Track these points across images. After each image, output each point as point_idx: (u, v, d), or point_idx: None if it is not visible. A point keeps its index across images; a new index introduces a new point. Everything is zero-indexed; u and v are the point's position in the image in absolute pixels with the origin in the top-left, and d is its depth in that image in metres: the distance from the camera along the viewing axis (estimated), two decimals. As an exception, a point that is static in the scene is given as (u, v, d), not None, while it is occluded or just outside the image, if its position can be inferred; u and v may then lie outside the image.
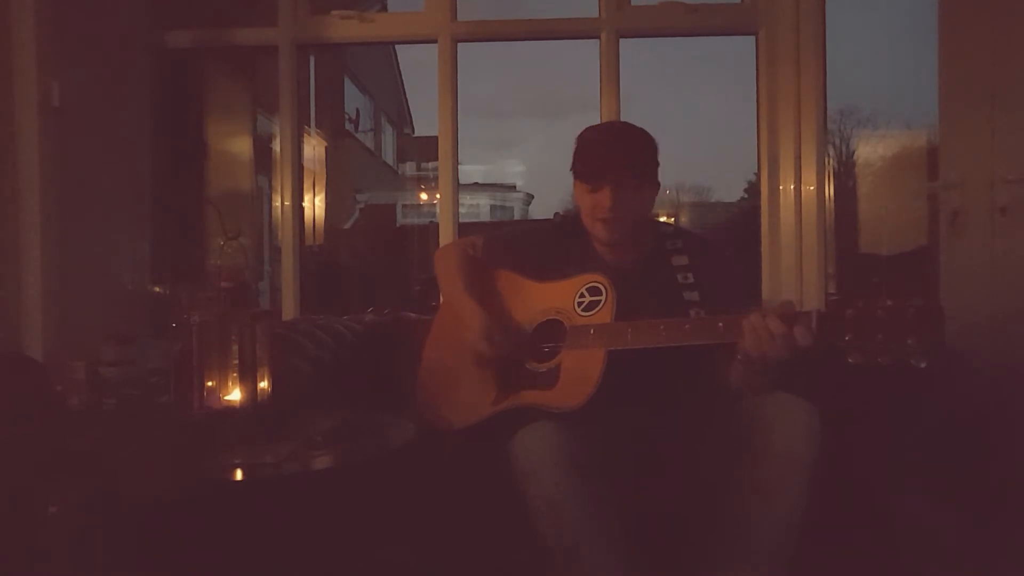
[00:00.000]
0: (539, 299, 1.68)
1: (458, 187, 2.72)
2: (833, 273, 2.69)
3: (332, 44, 2.93)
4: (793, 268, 2.56)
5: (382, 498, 1.51)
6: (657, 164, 1.64)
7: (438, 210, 2.77)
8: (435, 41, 2.68)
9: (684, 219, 9.24)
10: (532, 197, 14.46)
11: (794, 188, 2.56)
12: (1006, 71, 1.86)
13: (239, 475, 1.40)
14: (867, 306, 1.22)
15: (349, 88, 10.14)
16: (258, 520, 1.40)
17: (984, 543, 1.63)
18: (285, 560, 1.45)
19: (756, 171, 2.72)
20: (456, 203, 2.71)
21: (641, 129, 1.65)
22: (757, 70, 2.66)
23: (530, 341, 1.64)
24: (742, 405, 1.45)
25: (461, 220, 2.72)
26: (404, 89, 13.21)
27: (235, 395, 1.58)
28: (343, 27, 2.74)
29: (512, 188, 14.78)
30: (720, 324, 1.39)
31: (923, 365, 1.17)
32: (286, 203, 2.77)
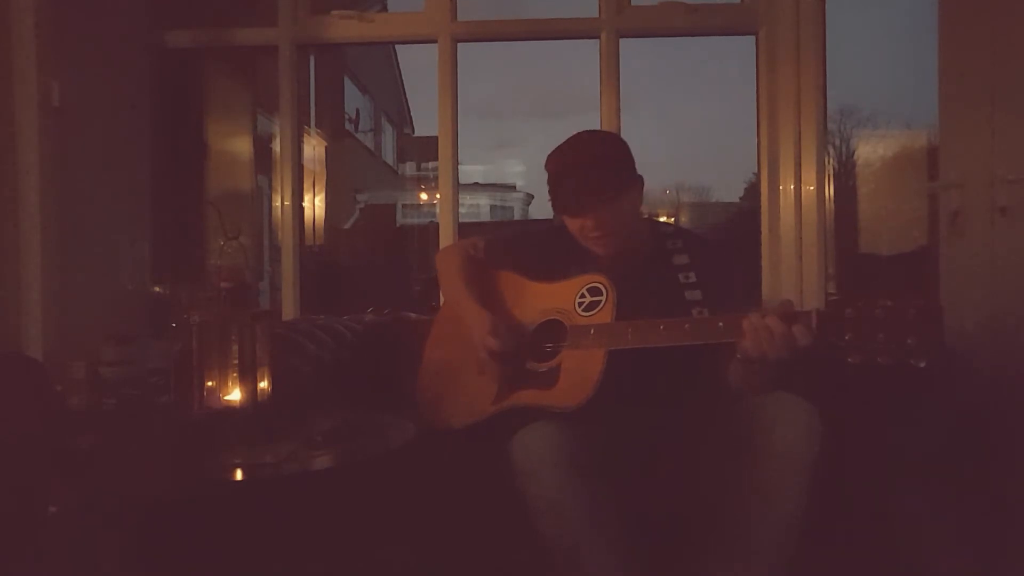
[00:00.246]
0: (540, 299, 1.68)
1: (458, 187, 2.72)
2: (833, 273, 2.69)
3: (332, 44, 2.93)
4: (793, 268, 2.56)
5: (382, 498, 1.51)
6: (632, 163, 1.61)
7: (438, 210, 2.77)
8: (435, 41, 2.68)
9: (684, 219, 9.25)
10: (532, 197, 14.46)
11: (794, 188, 2.56)
12: (1006, 71, 1.86)
13: (239, 475, 1.41)
14: (867, 306, 1.22)
15: (349, 88, 10.15)
16: (258, 520, 1.40)
17: (984, 542, 1.63)
18: (285, 560, 1.45)
19: (756, 171, 2.72)
20: (456, 203, 2.71)
21: (604, 137, 1.64)
22: (757, 70, 2.67)
23: (531, 341, 1.64)
24: (742, 405, 1.45)
25: (461, 220, 2.72)
26: (404, 89, 13.23)
27: (235, 395, 1.58)
28: (343, 27, 2.74)
29: (512, 188, 14.79)
30: (720, 324, 1.39)
31: (923, 365, 1.17)
32: (286, 203, 2.77)
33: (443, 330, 1.86)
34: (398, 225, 10.31)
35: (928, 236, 2.71)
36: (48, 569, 1.42)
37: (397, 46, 9.28)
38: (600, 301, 1.56)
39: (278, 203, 2.80)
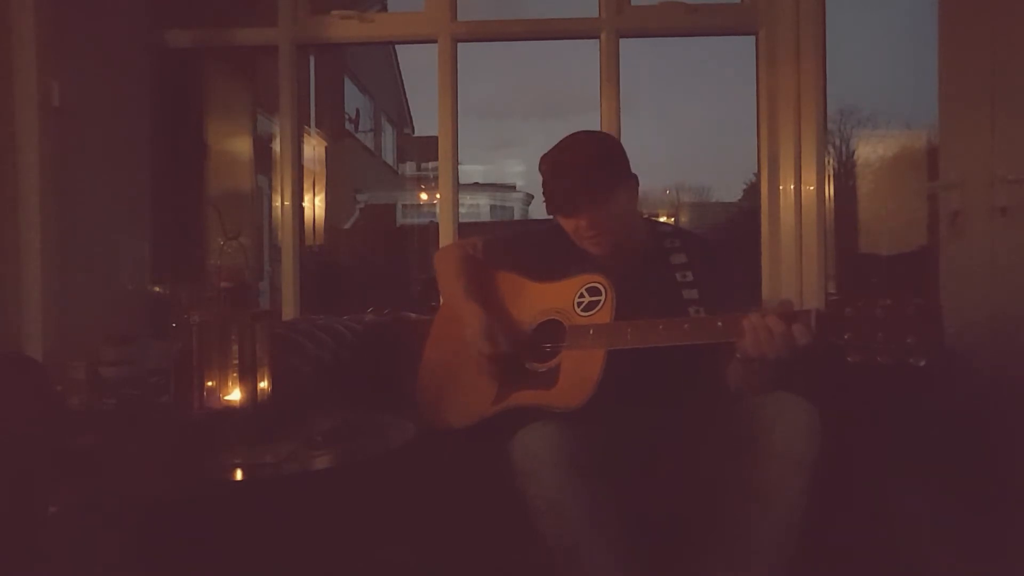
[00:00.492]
0: (539, 299, 1.68)
1: (458, 187, 2.72)
2: (833, 273, 2.69)
3: (332, 44, 2.93)
4: (793, 268, 2.56)
5: (382, 498, 1.51)
6: (625, 162, 1.61)
7: (438, 210, 2.77)
8: (435, 41, 2.68)
9: (684, 219, 9.23)
10: (532, 197, 14.45)
11: (794, 188, 2.56)
12: (1006, 71, 1.86)
13: (239, 475, 1.41)
14: (866, 305, 1.22)
15: (349, 88, 10.15)
16: (258, 520, 1.40)
17: (984, 542, 1.63)
18: (285, 560, 1.45)
19: (756, 171, 2.72)
20: (456, 203, 2.71)
21: (597, 137, 1.63)
22: (757, 70, 2.66)
23: (530, 341, 1.64)
24: (742, 405, 1.45)
25: (461, 220, 2.72)
26: (404, 89, 13.22)
27: (235, 395, 1.58)
28: (343, 27, 2.74)
29: (512, 188, 14.79)
30: (719, 323, 1.39)
31: (922, 364, 1.17)
32: (286, 203, 2.77)
33: (443, 330, 1.86)
34: (398, 225, 10.31)
35: (928, 236, 2.71)
36: (48, 569, 1.42)
37: (397, 46, 9.27)
38: (599, 301, 1.56)
39: (278, 203, 2.80)
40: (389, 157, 13.07)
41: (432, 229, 2.91)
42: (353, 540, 1.51)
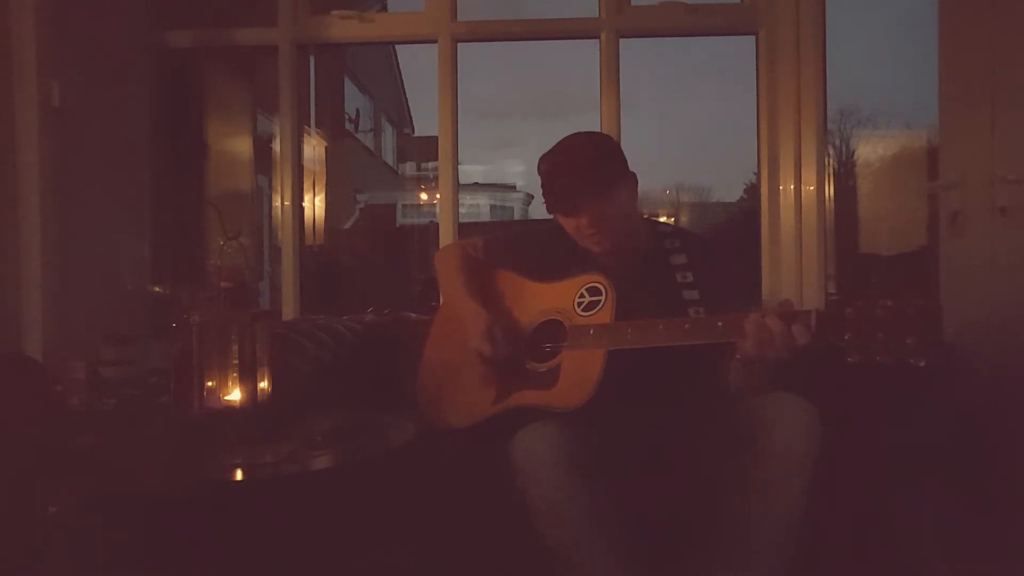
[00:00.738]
0: (539, 299, 1.68)
1: (458, 187, 2.72)
2: (833, 273, 2.69)
3: (332, 44, 2.93)
4: (793, 268, 2.56)
5: (382, 498, 1.51)
6: (623, 161, 1.62)
7: (438, 210, 2.77)
8: (435, 41, 2.68)
9: (684, 219, 9.23)
10: (532, 197, 14.44)
11: (794, 188, 2.56)
12: (1006, 71, 1.86)
13: (239, 475, 1.40)
14: (866, 305, 1.22)
15: (349, 88, 10.14)
16: (258, 520, 1.40)
17: (984, 542, 1.63)
18: (285, 560, 1.45)
19: (756, 171, 2.72)
20: (456, 203, 2.71)
21: (594, 137, 1.64)
22: (757, 70, 2.66)
23: (530, 341, 1.64)
24: (742, 405, 1.45)
25: (461, 220, 2.72)
26: (404, 89, 13.21)
27: (235, 395, 1.58)
28: (343, 27, 2.74)
29: (512, 188, 14.77)
30: (719, 324, 1.39)
31: (922, 364, 1.17)
32: (286, 203, 2.77)
33: (443, 330, 1.86)
34: (398, 225, 10.30)
35: (928, 236, 2.71)
36: (48, 569, 1.42)
37: (397, 46, 9.27)
38: (599, 301, 1.56)
39: (278, 203, 2.80)
40: (389, 157, 13.06)
41: (432, 229, 2.91)
42: (353, 540, 1.51)
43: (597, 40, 2.65)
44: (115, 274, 2.49)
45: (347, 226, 8.73)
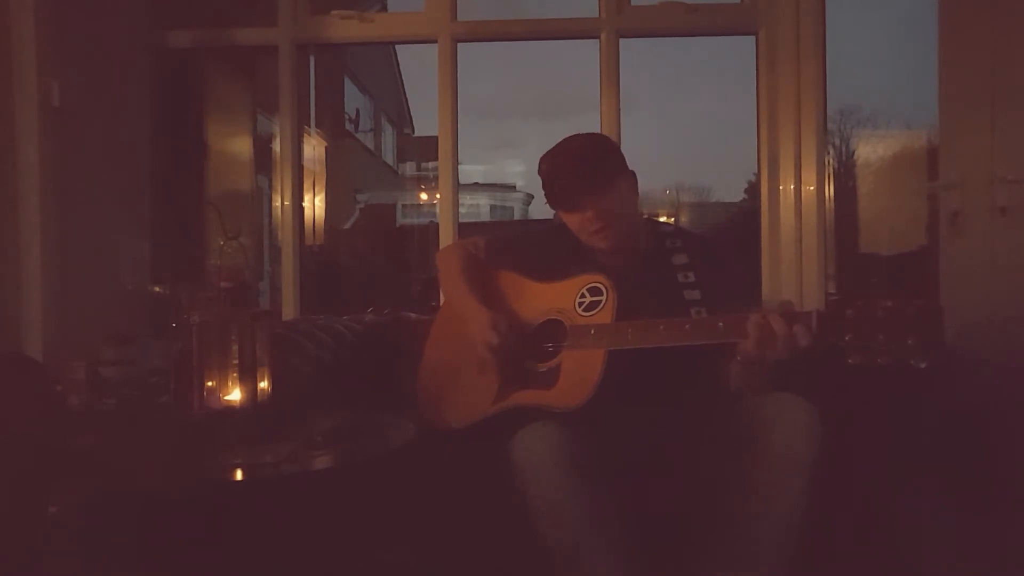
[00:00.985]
0: (540, 299, 1.68)
1: (458, 187, 2.72)
2: (833, 273, 2.69)
3: (332, 44, 2.93)
4: (793, 268, 2.56)
5: (382, 498, 1.51)
6: (622, 158, 1.64)
7: (438, 210, 2.77)
8: (435, 41, 2.68)
9: (684, 219, 9.22)
10: (532, 197, 14.42)
11: (794, 188, 2.56)
12: (1006, 71, 1.86)
13: (239, 475, 1.40)
14: (867, 306, 1.22)
15: (349, 88, 10.13)
16: (258, 520, 1.40)
17: (984, 542, 1.63)
18: (285, 560, 1.45)
19: (756, 171, 2.72)
20: (456, 203, 2.71)
21: (592, 136, 1.67)
22: (757, 70, 2.66)
23: (531, 341, 1.64)
24: (742, 405, 1.45)
25: (461, 220, 2.72)
26: (404, 89, 13.20)
27: (235, 395, 1.58)
28: (343, 27, 2.74)
29: (512, 188, 14.76)
30: (720, 324, 1.39)
31: (923, 366, 1.17)
32: (286, 203, 2.78)
33: (443, 330, 1.86)
34: (398, 225, 10.29)
35: (928, 236, 2.71)
36: (48, 569, 1.42)
37: (397, 46, 9.27)
38: (600, 301, 1.56)
39: (278, 203, 2.80)
40: (389, 157, 13.06)
41: (432, 229, 2.91)
42: (353, 540, 1.51)
43: (597, 40, 2.65)
44: (115, 274, 2.49)
45: (347, 226, 8.72)
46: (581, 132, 1.68)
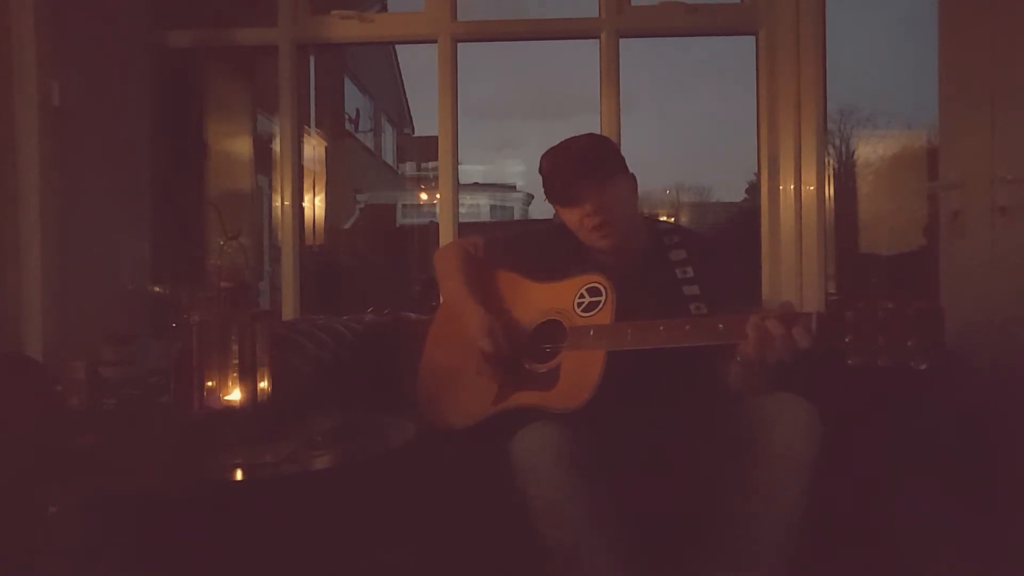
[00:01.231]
0: (539, 299, 1.68)
1: (458, 187, 2.72)
2: (833, 273, 2.69)
3: (332, 44, 2.93)
4: (793, 268, 2.56)
5: (382, 498, 1.51)
6: (622, 158, 1.66)
7: (438, 210, 2.77)
8: (435, 41, 2.68)
9: (684, 219, 9.23)
10: (532, 197, 14.43)
11: (794, 188, 2.56)
12: (1006, 71, 1.86)
13: (239, 475, 1.40)
14: (867, 308, 1.21)
15: (349, 88, 10.14)
16: (258, 520, 1.40)
17: (984, 542, 1.63)
18: (285, 560, 1.45)
19: (756, 171, 2.72)
20: (456, 203, 2.71)
21: (593, 136, 1.68)
22: (757, 70, 2.66)
23: (530, 341, 1.64)
24: (742, 405, 1.45)
25: (461, 220, 2.72)
26: (404, 89, 13.20)
27: (235, 395, 1.58)
28: (343, 27, 2.74)
29: (512, 188, 14.77)
30: (720, 325, 1.39)
31: (923, 367, 1.17)
32: (286, 203, 2.77)
33: (443, 330, 1.86)
34: (398, 225, 10.29)
35: (928, 236, 2.71)
36: (48, 569, 1.42)
37: (397, 46, 9.27)
38: (599, 302, 1.56)
39: (278, 203, 2.80)
40: (389, 157, 13.06)
41: (432, 229, 2.91)
42: (353, 540, 1.51)
43: (597, 40, 2.65)
44: (115, 274, 2.49)
45: (347, 226, 8.72)
46: (582, 133, 1.69)
